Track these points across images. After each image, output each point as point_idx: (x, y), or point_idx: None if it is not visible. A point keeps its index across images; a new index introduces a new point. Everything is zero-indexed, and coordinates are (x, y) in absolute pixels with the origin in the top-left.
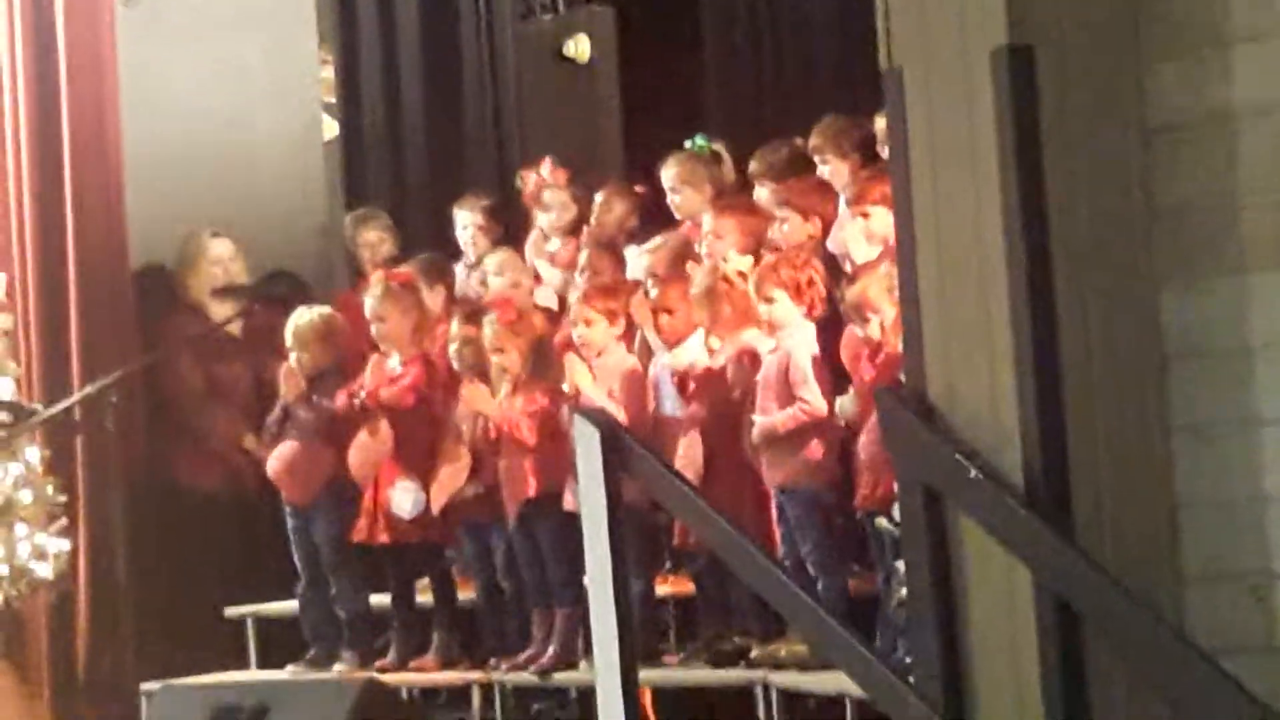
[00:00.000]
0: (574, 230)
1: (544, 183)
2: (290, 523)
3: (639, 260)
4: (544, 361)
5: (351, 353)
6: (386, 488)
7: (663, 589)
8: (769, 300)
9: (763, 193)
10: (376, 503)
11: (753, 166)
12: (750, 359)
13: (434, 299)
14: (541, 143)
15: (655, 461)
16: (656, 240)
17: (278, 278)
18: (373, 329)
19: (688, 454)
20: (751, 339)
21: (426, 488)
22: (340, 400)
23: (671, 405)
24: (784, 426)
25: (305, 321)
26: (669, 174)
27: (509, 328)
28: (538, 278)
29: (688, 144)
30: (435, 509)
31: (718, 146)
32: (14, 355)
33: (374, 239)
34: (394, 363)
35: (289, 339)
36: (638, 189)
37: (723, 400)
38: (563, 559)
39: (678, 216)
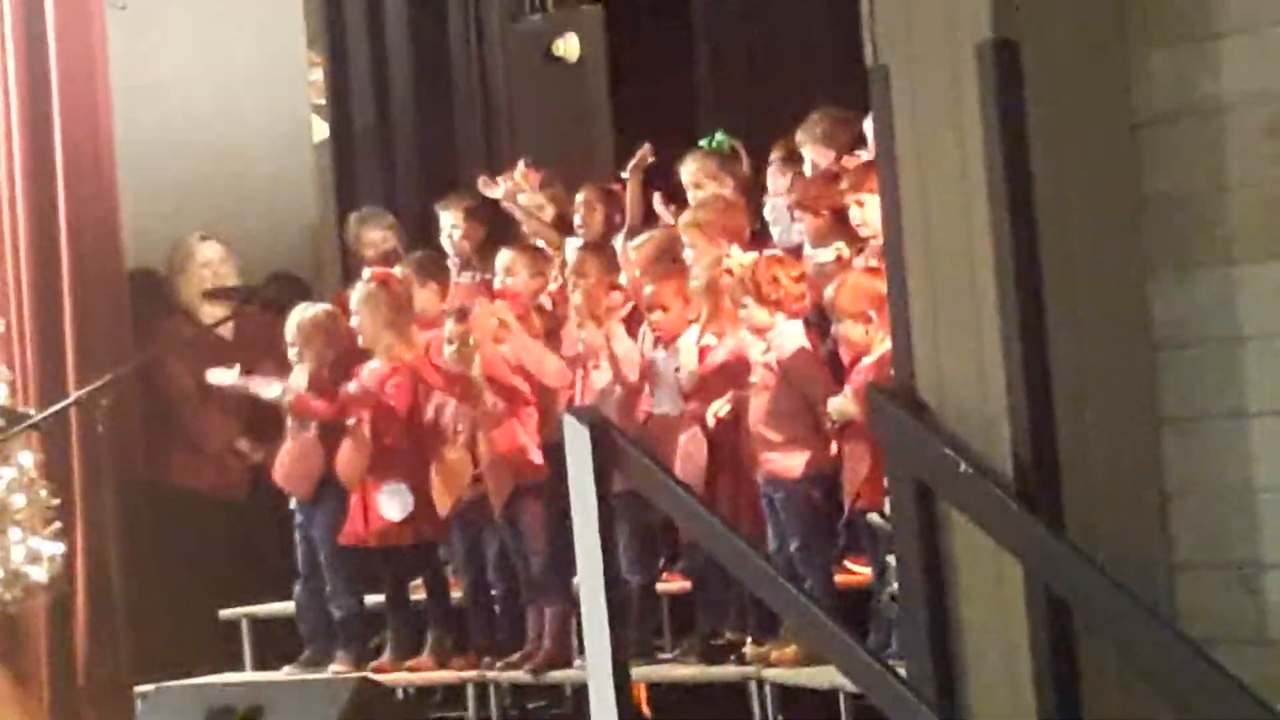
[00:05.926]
0: (556, 230)
1: (518, 187)
2: (296, 519)
3: (627, 256)
4: None
5: (349, 351)
6: (373, 491)
7: (657, 585)
8: (744, 305)
9: (781, 183)
10: (365, 506)
11: (775, 154)
12: (740, 359)
13: (428, 298)
14: (531, 143)
15: (645, 459)
16: (642, 236)
17: (274, 281)
18: (353, 324)
19: (688, 451)
20: (745, 340)
21: (415, 490)
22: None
23: (669, 404)
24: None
25: (307, 317)
26: (688, 170)
27: (518, 321)
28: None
29: (703, 141)
30: (442, 513)
31: (736, 143)
32: (7, 359)
33: (378, 238)
34: (375, 363)
35: (289, 334)
36: (614, 188)
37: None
38: (544, 555)
39: None
